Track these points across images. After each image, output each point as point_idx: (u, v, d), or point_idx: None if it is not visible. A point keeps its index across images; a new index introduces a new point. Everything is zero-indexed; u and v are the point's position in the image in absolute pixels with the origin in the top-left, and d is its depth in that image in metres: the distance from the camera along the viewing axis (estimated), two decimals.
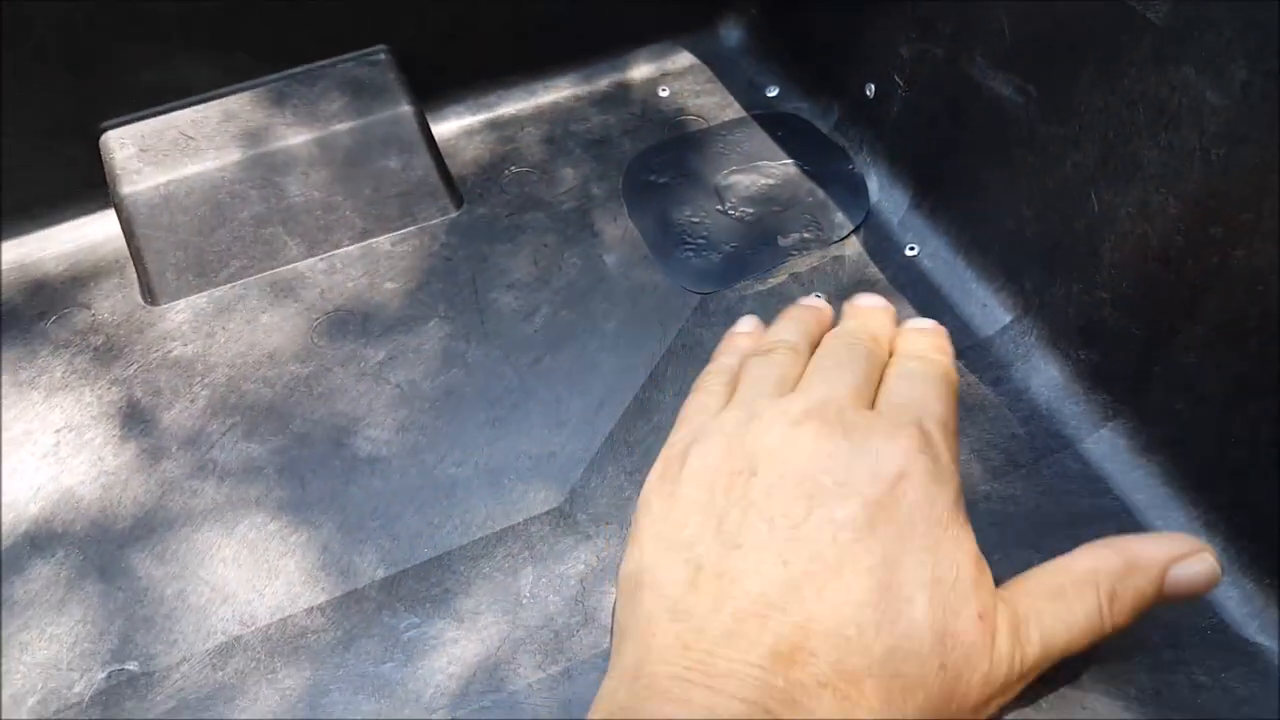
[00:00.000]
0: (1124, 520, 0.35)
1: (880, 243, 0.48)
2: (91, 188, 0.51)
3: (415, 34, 0.54)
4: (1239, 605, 0.32)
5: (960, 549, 0.25)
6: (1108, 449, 0.37)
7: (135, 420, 0.44)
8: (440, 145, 0.53)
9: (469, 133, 0.57)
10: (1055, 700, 0.27)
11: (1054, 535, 0.34)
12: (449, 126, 0.57)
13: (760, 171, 0.53)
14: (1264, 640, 0.31)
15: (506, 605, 0.35)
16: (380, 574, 0.37)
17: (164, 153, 0.50)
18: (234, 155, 0.50)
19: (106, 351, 0.47)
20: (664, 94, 0.58)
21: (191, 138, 0.50)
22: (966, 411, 0.40)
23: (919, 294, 0.45)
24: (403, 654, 0.34)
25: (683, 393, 0.31)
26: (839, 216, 0.50)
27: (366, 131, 0.51)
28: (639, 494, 0.28)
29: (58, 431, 0.43)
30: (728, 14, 0.61)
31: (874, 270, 0.47)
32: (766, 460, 0.26)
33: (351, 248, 0.51)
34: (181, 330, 0.47)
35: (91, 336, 0.48)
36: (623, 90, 0.59)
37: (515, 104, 0.58)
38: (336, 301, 0.48)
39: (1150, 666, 0.28)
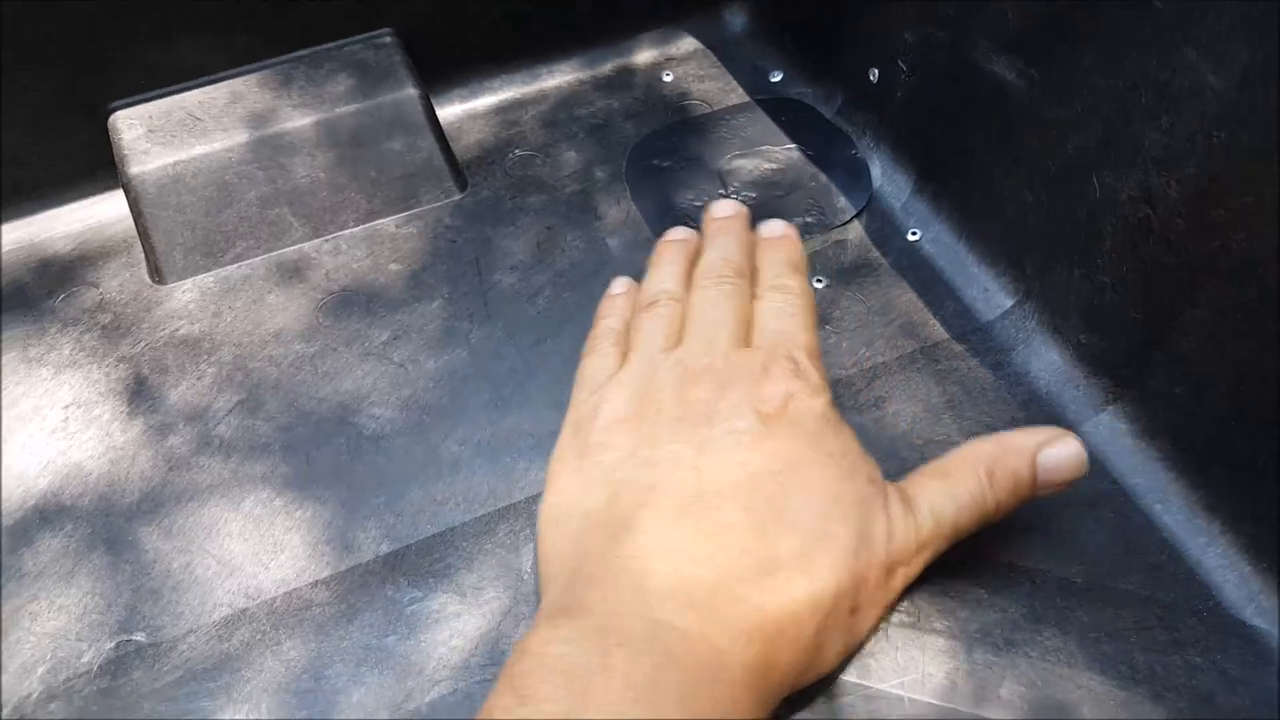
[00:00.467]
0: (1123, 504, 0.35)
1: (882, 227, 0.48)
2: (100, 168, 0.51)
3: (421, 17, 0.54)
4: (1236, 589, 0.32)
5: (841, 435, 0.29)
6: (1108, 433, 0.37)
7: (142, 397, 0.44)
8: (445, 128, 0.53)
9: (473, 116, 0.57)
10: (1051, 679, 0.27)
11: (1055, 519, 0.34)
12: (454, 110, 0.57)
13: (763, 156, 0.53)
14: (1261, 623, 0.31)
15: (508, 580, 0.36)
16: (384, 549, 0.38)
17: (172, 133, 0.50)
18: (241, 136, 0.50)
19: (114, 329, 0.47)
20: (667, 79, 0.58)
21: (199, 119, 0.50)
22: (967, 395, 0.40)
23: (921, 278, 0.46)
24: (405, 627, 0.35)
25: None
26: (842, 201, 0.50)
27: (372, 114, 0.51)
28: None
29: (66, 408, 0.44)
30: None
31: (876, 254, 0.47)
32: (671, 402, 0.30)
33: (356, 229, 0.51)
34: (188, 309, 0.48)
35: (99, 315, 0.48)
36: (626, 75, 0.59)
37: (519, 88, 0.58)
38: (341, 282, 0.48)
39: (1147, 647, 0.29)
